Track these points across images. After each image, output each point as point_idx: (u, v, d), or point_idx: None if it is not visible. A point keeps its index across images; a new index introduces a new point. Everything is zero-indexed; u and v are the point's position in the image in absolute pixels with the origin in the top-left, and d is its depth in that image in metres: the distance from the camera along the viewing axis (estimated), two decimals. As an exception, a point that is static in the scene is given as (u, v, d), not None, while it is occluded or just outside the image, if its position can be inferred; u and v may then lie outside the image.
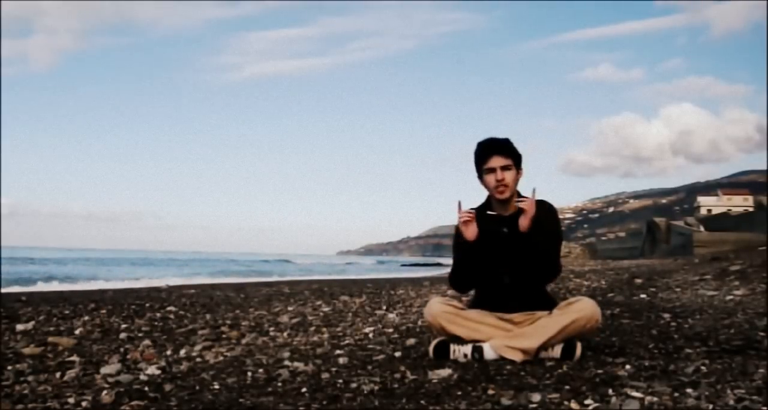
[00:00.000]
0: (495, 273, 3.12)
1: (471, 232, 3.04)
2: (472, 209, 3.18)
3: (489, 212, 3.12)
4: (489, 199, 3.15)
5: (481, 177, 3.11)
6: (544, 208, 3.11)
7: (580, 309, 3.01)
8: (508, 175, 3.04)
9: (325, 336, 4.30)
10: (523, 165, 3.13)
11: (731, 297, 6.07)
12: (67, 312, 6.32)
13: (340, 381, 2.67)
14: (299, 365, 3.08)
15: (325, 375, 2.80)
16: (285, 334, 4.46)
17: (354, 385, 2.57)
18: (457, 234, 3.15)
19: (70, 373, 3.09)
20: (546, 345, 2.95)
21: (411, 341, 3.77)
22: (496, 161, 3.03)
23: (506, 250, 3.07)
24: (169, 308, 6.76)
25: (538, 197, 3.14)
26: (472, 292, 3.36)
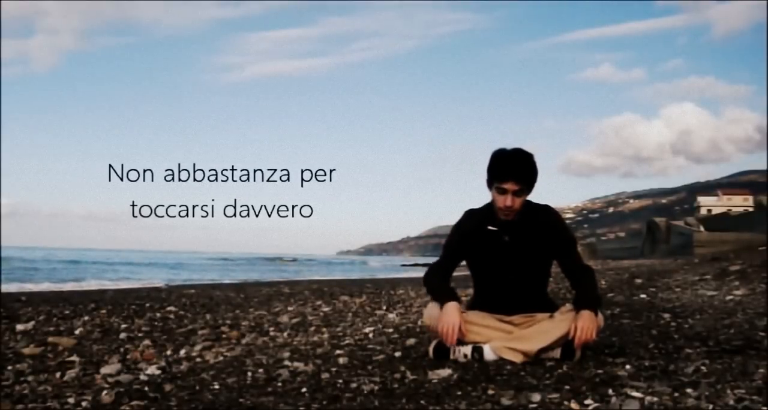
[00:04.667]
0: (496, 278, 3.12)
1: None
2: (473, 209, 3.18)
3: (490, 227, 3.09)
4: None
5: (490, 185, 3.05)
6: (552, 216, 3.12)
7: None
8: (518, 201, 2.98)
9: (325, 336, 4.30)
10: None
11: (731, 297, 6.07)
12: (67, 312, 6.32)
13: (340, 381, 2.67)
14: (299, 365, 3.08)
15: (325, 375, 2.80)
16: (285, 334, 4.46)
17: (354, 385, 2.57)
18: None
19: (70, 373, 3.09)
20: (546, 349, 2.95)
21: (411, 341, 3.77)
22: (510, 185, 2.96)
23: (507, 257, 3.07)
24: (169, 308, 6.76)
25: (538, 200, 3.14)
26: (471, 293, 3.36)
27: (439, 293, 3.11)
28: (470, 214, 3.19)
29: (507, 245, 3.06)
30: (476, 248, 3.12)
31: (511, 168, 2.97)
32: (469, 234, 3.13)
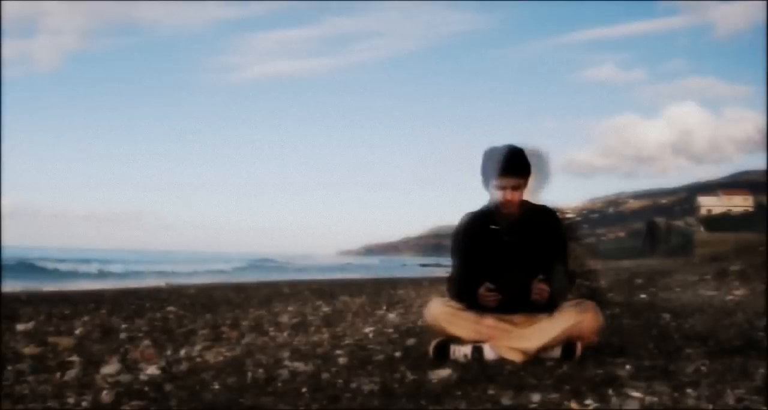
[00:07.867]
0: (495, 277, 3.11)
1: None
2: (472, 212, 3.18)
3: (492, 226, 3.09)
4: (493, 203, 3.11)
5: (486, 183, 3.06)
6: (550, 216, 3.12)
7: (582, 312, 3.01)
8: (517, 194, 3.01)
9: (325, 336, 4.30)
10: None
11: (731, 297, 6.07)
12: (67, 312, 6.32)
13: (340, 381, 2.67)
14: (299, 365, 3.08)
15: (325, 375, 2.80)
16: (285, 334, 4.46)
17: (354, 385, 2.57)
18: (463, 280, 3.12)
19: (70, 373, 3.09)
20: (546, 347, 2.95)
21: (411, 341, 3.77)
22: (508, 181, 2.98)
23: (507, 256, 3.07)
24: (169, 308, 6.77)
25: (539, 199, 3.14)
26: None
27: (468, 294, 3.08)
28: (469, 216, 3.21)
29: (506, 245, 3.07)
30: (477, 248, 3.12)
31: (507, 165, 2.99)
32: (471, 235, 3.14)
